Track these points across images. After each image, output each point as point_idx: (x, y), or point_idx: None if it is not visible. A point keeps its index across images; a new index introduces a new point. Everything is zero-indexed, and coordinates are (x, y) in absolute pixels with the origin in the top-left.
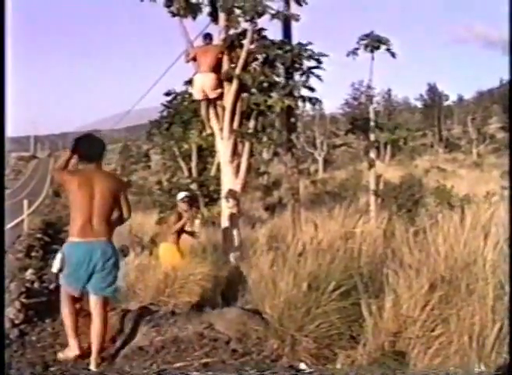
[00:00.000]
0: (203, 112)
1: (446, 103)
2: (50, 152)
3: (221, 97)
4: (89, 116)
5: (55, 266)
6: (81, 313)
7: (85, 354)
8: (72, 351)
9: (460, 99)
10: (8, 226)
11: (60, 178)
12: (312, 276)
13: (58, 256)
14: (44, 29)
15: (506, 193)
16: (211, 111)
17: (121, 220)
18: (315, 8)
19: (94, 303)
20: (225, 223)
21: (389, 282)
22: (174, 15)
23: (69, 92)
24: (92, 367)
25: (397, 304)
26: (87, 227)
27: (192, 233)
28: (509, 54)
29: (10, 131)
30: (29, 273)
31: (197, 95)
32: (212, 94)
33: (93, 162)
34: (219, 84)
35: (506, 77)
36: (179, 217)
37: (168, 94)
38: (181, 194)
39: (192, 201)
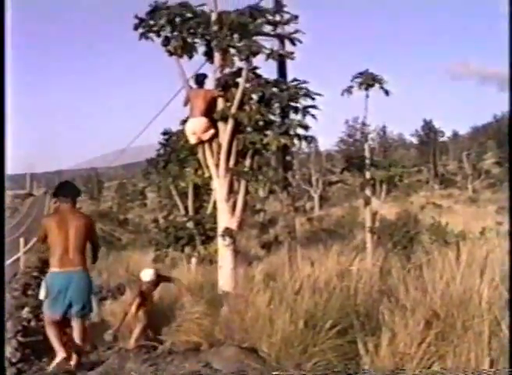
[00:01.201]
0: (200, 154)
1: (441, 139)
2: (46, 190)
3: (215, 136)
4: (85, 153)
5: (42, 294)
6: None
7: (71, 356)
8: (59, 355)
9: (455, 135)
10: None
11: (41, 231)
12: (309, 314)
13: (43, 285)
14: (41, 66)
15: (502, 229)
16: (207, 151)
17: (95, 251)
18: (310, 47)
19: (75, 323)
20: (221, 261)
21: (385, 320)
22: (171, 54)
23: (65, 129)
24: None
25: (394, 341)
26: (65, 259)
27: (169, 279)
28: (509, 87)
29: (6, 169)
30: (25, 312)
31: (192, 140)
32: (205, 137)
33: (68, 203)
34: (210, 126)
35: (500, 113)
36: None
37: (164, 133)
38: (147, 274)
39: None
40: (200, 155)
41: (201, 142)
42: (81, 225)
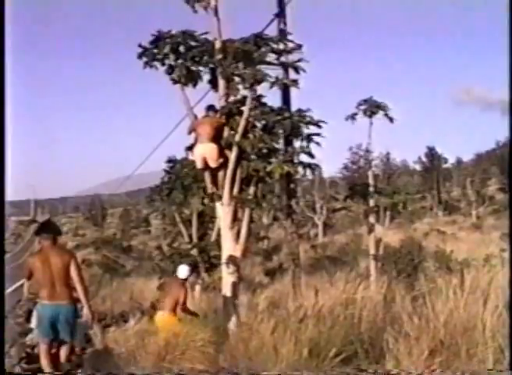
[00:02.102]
0: (207, 180)
1: (444, 166)
2: (50, 216)
3: (222, 165)
4: (89, 180)
5: (33, 322)
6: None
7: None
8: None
9: (459, 162)
10: (8, 290)
11: (26, 270)
12: (313, 342)
13: (35, 314)
14: (45, 90)
15: (506, 255)
16: (212, 178)
17: (79, 285)
18: (313, 73)
19: (62, 347)
20: (225, 288)
21: (389, 348)
22: (175, 82)
23: (69, 156)
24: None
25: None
26: (52, 292)
27: (193, 313)
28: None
29: (10, 195)
30: (29, 338)
31: (199, 165)
32: (214, 164)
33: (49, 240)
34: (220, 154)
35: (503, 139)
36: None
37: (169, 161)
38: (183, 271)
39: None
40: (207, 181)
41: (207, 168)
42: (62, 261)
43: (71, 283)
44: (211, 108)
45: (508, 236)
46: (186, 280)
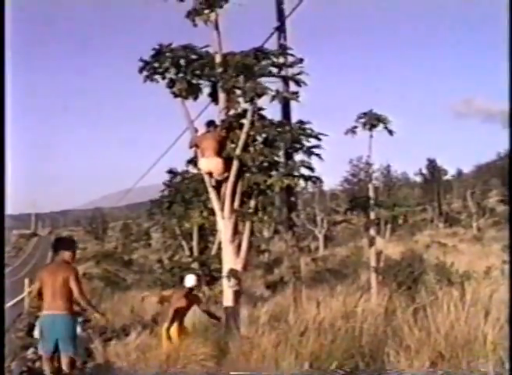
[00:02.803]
0: (212, 196)
1: (445, 178)
2: (51, 230)
3: (226, 179)
4: (90, 193)
5: (36, 333)
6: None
7: None
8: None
9: (460, 173)
10: (8, 304)
11: (37, 281)
12: (314, 355)
13: (37, 325)
14: (44, 103)
15: (507, 267)
16: (214, 192)
17: (80, 297)
18: (313, 87)
19: (63, 359)
20: (226, 302)
21: (390, 360)
22: (176, 95)
23: (70, 169)
24: None
25: None
26: (52, 303)
27: (215, 316)
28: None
29: (11, 209)
30: (30, 352)
31: (206, 178)
32: (219, 177)
33: (59, 255)
34: (225, 168)
35: (504, 151)
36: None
37: (170, 172)
38: (190, 280)
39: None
40: (212, 195)
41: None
42: (63, 275)
43: (72, 297)
44: (211, 123)
45: (508, 248)
46: (192, 289)
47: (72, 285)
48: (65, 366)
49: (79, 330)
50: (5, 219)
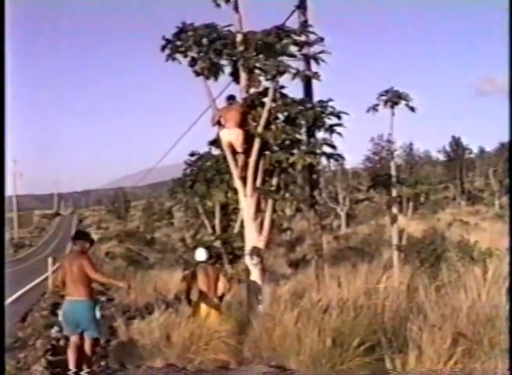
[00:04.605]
0: (232, 165)
1: (467, 156)
2: (73, 209)
3: (248, 154)
4: (112, 172)
5: (60, 316)
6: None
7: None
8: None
9: (482, 151)
10: (32, 283)
11: (60, 269)
12: (337, 332)
13: (61, 309)
14: (66, 82)
15: None
16: (236, 168)
17: (96, 275)
18: (334, 65)
19: (86, 341)
20: (249, 279)
21: (412, 337)
22: (198, 74)
23: (92, 149)
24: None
25: (421, 358)
26: (73, 290)
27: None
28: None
29: (34, 189)
30: (54, 331)
31: (226, 149)
32: (240, 149)
33: (78, 245)
34: (245, 139)
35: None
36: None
37: (192, 154)
38: (201, 254)
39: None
40: (231, 166)
41: (233, 153)
42: (78, 263)
43: (90, 283)
44: (232, 97)
45: (508, 234)
46: (205, 262)
47: (87, 269)
48: (87, 348)
49: (98, 313)
50: (5, 220)
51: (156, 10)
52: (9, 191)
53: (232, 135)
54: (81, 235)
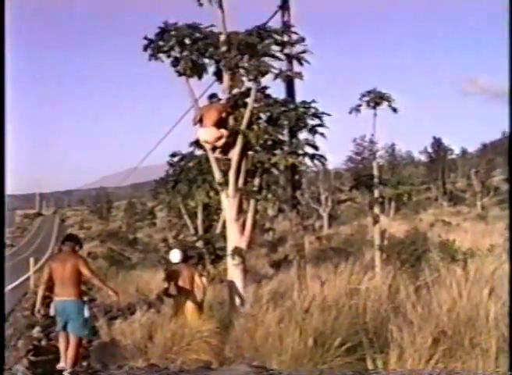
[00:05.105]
0: (213, 165)
1: (450, 156)
2: (55, 209)
3: (226, 153)
4: (94, 172)
5: (51, 312)
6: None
7: None
8: (61, 363)
9: (464, 152)
10: (14, 283)
11: (47, 272)
12: (318, 332)
13: (52, 305)
14: (50, 82)
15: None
16: (217, 168)
17: (94, 278)
18: (318, 66)
19: (70, 339)
20: (231, 280)
21: (393, 337)
22: (180, 74)
23: (74, 149)
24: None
25: (402, 358)
26: (62, 290)
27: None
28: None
29: (15, 189)
30: (36, 331)
31: (207, 148)
32: (219, 143)
33: (68, 247)
34: (221, 135)
35: (508, 129)
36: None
37: (173, 155)
38: (175, 255)
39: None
40: (212, 165)
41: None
42: (72, 263)
43: (80, 282)
44: (213, 96)
45: (508, 229)
46: (180, 263)
47: (83, 270)
48: (71, 346)
49: (86, 313)
50: (5, 219)
51: (139, 10)
52: None
53: (207, 134)
54: (71, 237)
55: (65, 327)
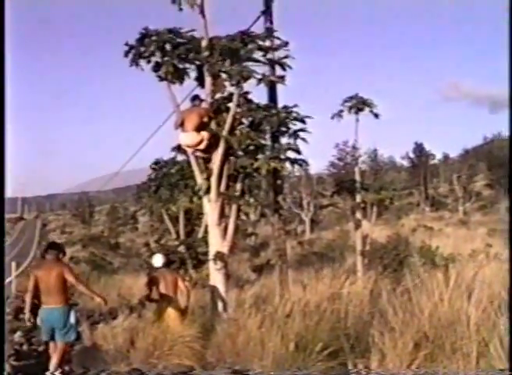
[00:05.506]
0: (195, 170)
1: (432, 162)
2: (37, 214)
3: (210, 158)
4: (77, 177)
5: (38, 321)
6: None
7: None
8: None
9: (446, 158)
10: None
11: (33, 281)
12: (300, 337)
13: (39, 314)
14: (31, 88)
15: (492, 251)
16: (200, 173)
17: (79, 285)
18: (299, 71)
19: (58, 344)
20: (213, 285)
21: (375, 342)
22: (162, 79)
23: (57, 153)
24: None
25: (383, 363)
26: (49, 298)
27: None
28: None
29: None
30: (17, 336)
31: (189, 153)
32: (201, 147)
33: (52, 255)
34: (202, 139)
35: (491, 135)
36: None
37: (156, 163)
38: (158, 260)
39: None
40: (194, 168)
41: (195, 156)
42: (57, 271)
43: (66, 289)
44: (196, 97)
45: (508, 237)
46: (163, 268)
47: (69, 277)
48: (57, 352)
49: (73, 318)
50: (4, 219)
51: (119, 15)
52: None
53: (188, 139)
54: (54, 246)
55: (52, 336)
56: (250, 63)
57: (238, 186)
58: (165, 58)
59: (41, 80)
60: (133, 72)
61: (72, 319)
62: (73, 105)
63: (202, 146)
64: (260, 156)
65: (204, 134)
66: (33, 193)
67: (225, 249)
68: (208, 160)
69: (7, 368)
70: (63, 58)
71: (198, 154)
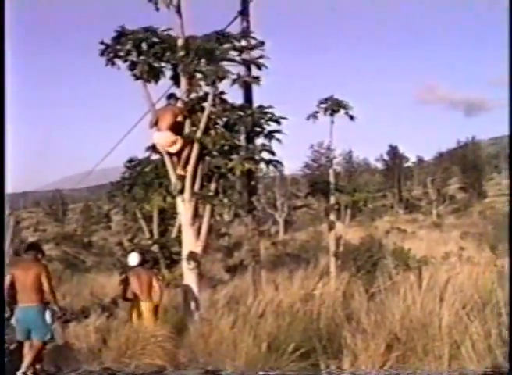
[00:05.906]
0: (169, 169)
1: (406, 164)
2: (10, 211)
3: (182, 157)
4: (50, 174)
5: (13, 321)
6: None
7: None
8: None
9: (420, 160)
10: None
11: (9, 279)
12: (272, 337)
13: (15, 314)
14: (12, 91)
15: (465, 254)
16: (173, 172)
17: (49, 292)
18: (275, 71)
19: (34, 343)
20: (186, 284)
21: (347, 343)
22: (137, 78)
23: (30, 150)
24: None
25: (355, 364)
26: (25, 297)
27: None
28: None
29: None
30: None
31: (163, 152)
32: (173, 150)
33: (30, 255)
34: (176, 140)
35: (465, 139)
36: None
37: (130, 161)
38: (133, 259)
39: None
40: (168, 167)
41: (168, 155)
42: (35, 271)
43: (42, 288)
44: (172, 96)
45: (508, 242)
46: (138, 267)
47: (44, 280)
48: (32, 351)
49: (48, 317)
50: (4, 220)
51: (94, 14)
52: None
53: (161, 138)
54: (33, 246)
55: (28, 336)
56: (225, 63)
57: (212, 186)
58: (141, 58)
59: (13, 75)
60: (108, 70)
61: (48, 318)
62: (47, 101)
63: (173, 150)
64: (234, 157)
65: (179, 138)
66: (6, 190)
67: (198, 249)
68: (177, 158)
69: None
70: (36, 53)
71: (172, 151)
